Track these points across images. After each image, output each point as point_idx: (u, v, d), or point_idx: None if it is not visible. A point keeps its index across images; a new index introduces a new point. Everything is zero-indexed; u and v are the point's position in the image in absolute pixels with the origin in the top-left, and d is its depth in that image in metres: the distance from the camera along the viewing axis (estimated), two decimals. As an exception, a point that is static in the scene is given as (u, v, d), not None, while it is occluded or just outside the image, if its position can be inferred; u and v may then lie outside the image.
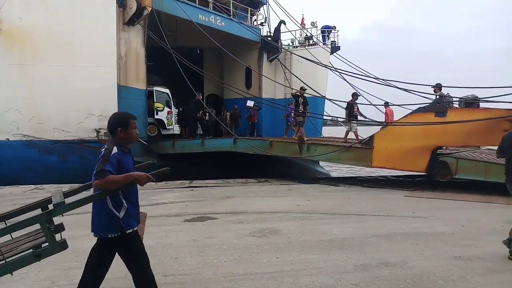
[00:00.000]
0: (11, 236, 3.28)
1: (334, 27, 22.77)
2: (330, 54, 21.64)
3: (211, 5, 18.47)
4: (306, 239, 5.98)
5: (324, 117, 20.96)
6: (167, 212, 8.38)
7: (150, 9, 15.10)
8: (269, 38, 20.57)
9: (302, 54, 18.98)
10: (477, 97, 11.34)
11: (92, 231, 3.28)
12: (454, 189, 10.57)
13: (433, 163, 10.95)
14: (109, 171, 3.08)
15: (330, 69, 18.60)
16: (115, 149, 3.21)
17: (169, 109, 17.72)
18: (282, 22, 20.79)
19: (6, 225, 3.25)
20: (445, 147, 12.04)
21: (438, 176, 11.10)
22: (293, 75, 19.22)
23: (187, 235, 6.38)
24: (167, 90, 17.90)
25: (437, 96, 12.02)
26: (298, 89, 14.99)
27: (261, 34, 21.08)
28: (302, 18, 22.25)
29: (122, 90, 15.16)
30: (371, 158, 11.82)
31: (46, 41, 14.15)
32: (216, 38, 16.77)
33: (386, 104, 15.56)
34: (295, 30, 22.08)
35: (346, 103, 14.04)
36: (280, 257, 5.13)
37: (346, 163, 14.23)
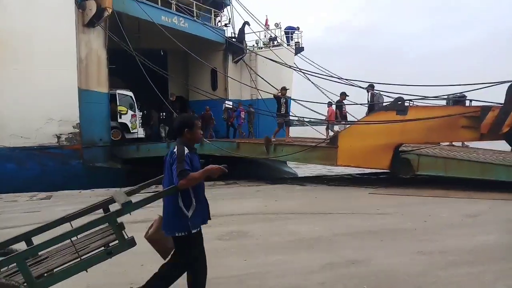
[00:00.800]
0: (76, 236, 3.36)
1: (298, 28, 23.03)
2: (295, 55, 21.85)
3: (174, 6, 18.24)
4: (274, 240, 5.99)
5: (292, 118, 21.07)
6: (132, 218, 8.13)
7: (110, 10, 14.76)
8: (233, 40, 20.54)
9: (266, 55, 19.06)
10: (465, 95, 11.69)
11: (163, 229, 3.50)
12: (416, 185, 10.88)
13: (396, 160, 11.23)
14: (189, 170, 3.29)
15: (294, 69, 18.78)
16: (186, 150, 3.39)
17: (133, 113, 17.35)
18: (246, 23, 20.83)
19: (72, 226, 3.45)
20: (407, 145, 12.40)
21: (400, 173, 11.38)
22: (258, 76, 19.26)
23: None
24: (130, 93, 17.53)
25: (370, 96, 12.54)
26: (280, 90, 14.47)
27: (226, 35, 21.02)
28: (266, 19, 22.42)
29: (83, 94, 14.72)
30: (336, 157, 11.99)
31: (2, 44, 13.56)
32: (180, 39, 16.58)
33: (329, 104, 15.99)
34: (260, 31, 22.19)
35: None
36: (248, 260, 5.11)
37: (313, 163, 14.39)
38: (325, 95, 16.47)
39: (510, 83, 9.98)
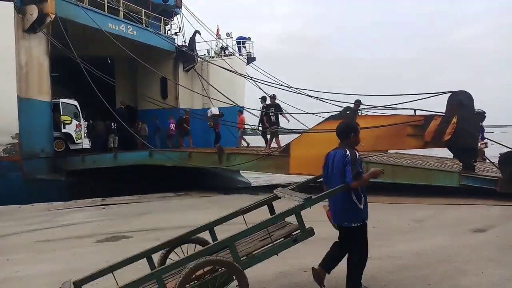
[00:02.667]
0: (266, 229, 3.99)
1: (249, 38, 23.20)
2: (247, 65, 21.94)
3: (121, 13, 17.76)
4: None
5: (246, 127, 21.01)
6: (77, 233, 7.78)
7: (53, 16, 14.09)
8: (184, 48, 20.31)
9: (218, 64, 18.98)
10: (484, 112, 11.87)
11: (336, 222, 4.01)
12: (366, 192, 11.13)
13: (346, 168, 11.45)
14: (362, 172, 3.85)
15: (245, 77, 18.84)
16: (356, 153, 3.94)
17: (77, 122, 16.60)
18: (197, 32, 20.67)
19: (244, 218, 4.41)
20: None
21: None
22: (210, 86, 19.10)
23: (99, 257, 5.93)
24: (75, 102, 16.78)
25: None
26: (270, 98, 13.96)
27: (176, 44, 20.74)
28: (217, 29, 22.36)
29: (24, 103, 13.90)
30: (289, 165, 12.09)
31: None
32: (128, 47, 16.14)
33: (240, 111, 16.24)
34: (211, 41, 22.11)
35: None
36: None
37: (266, 171, 14.44)
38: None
39: (450, 94, 10.50)
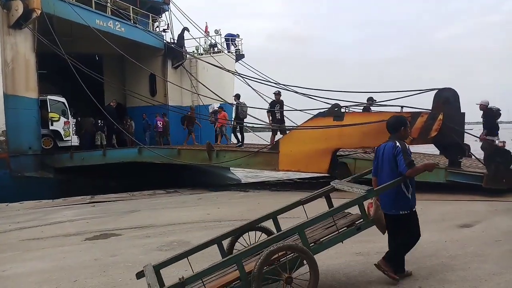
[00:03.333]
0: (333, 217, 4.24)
1: (238, 35, 23.15)
2: (235, 62, 21.91)
3: (109, 9, 17.59)
4: (216, 249, 5.88)
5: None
6: (65, 231, 7.74)
7: (39, 11, 13.93)
8: (173, 45, 20.21)
9: (207, 61, 18.93)
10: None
11: (384, 211, 4.14)
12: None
13: (334, 164, 11.57)
14: (414, 161, 4.06)
15: (234, 74, 18.82)
16: (406, 144, 4.18)
17: (66, 120, 16.44)
18: (185, 29, 20.57)
19: (304, 208, 4.65)
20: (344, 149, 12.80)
21: (338, 176, 11.68)
22: (199, 83, 19.05)
23: (88, 255, 5.94)
24: (63, 99, 16.59)
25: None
26: (275, 95, 13.97)
27: (164, 40, 20.62)
28: (206, 26, 22.28)
29: (10, 99, 13.78)
30: (278, 162, 12.14)
31: None
32: (116, 44, 15.99)
33: (221, 107, 16.52)
34: (199, 38, 22.01)
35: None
36: (189, 270, 4.96)
37: (255, 168, 14.47)
38: (265, 100, 16.68)
39: (436, 91, 10.64)
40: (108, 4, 17.64)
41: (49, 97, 16.10)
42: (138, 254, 5.80)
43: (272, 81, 15.76)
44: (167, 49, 20.00)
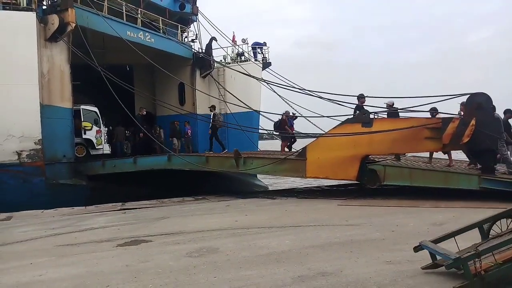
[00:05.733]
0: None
1: (265, 44, 23.29)
2: (262, 70, 22.04)
3: (139, 21, 18.09)
4: (244, 255, 5.91)
5: (261, 131, 21.37)
6: (98, 237, 7.92)
7: (74, 25, 14.49)
8: (201, 55, 20.55)
9: (235, 69, 19.15)
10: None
11: None
12: (383, 195, 11.06)
13: (363, 171, 11.41)
14: None
15: (260, 81, 18.93)
16: None
17: (98, 128, 16.95)
18: (213, 38, 20.88)
19: None
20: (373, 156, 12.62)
21: (368, 183, 11.57)
22: (227, 91, 19.25)
23: (120, 261, 6.06)
24: (95, 109, 17.16)
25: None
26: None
27: (193, 50, 20.99)
28: (233, 35, 22.53)
29: (46, 109, 14.32)
30: (305, 169, 12.08)
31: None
32: (146, 54, 16.42)
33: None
34: (227, 47, 22.29)
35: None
36: (218, 276, 5.01)
37: (282, 175, 14.43)
38: (292, 107, 16.73)
39: (468, 95, 10.37)
40: (139, 16, 18.13)
41: (82, 106, 16.68)
42: (168, 260, 5.88)
43: (297, 87, 15.78)
44: (196, 58, 20.35)
